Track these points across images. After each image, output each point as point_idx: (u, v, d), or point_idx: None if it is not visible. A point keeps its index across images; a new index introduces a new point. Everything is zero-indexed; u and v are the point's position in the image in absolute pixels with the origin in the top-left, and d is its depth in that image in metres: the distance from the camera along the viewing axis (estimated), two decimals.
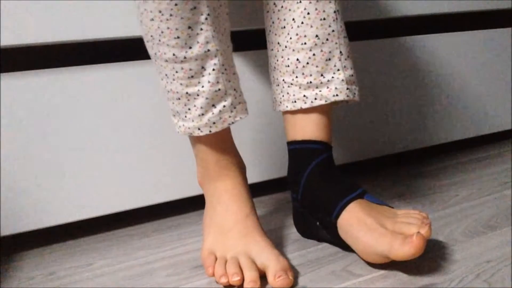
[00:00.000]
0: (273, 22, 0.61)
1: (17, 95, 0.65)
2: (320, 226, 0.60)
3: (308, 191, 0.60)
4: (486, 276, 0.51)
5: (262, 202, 0.82)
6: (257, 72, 0.78)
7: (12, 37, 0.63)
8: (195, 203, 0.78)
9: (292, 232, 0.67)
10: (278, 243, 0.64)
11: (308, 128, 0.61)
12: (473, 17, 0.99)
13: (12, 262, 0.67)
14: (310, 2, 0.58)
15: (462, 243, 0.59)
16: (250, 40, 0.77)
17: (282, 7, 0.59)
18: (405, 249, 0.49)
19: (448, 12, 0.93)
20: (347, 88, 0.59)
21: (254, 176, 0.79)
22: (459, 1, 0.93)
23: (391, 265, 0.54)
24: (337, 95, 0.59)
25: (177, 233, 0.72)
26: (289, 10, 0.59)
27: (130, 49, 0.71)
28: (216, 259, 0.56)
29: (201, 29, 0.52)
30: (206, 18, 0.52)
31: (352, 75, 0.60)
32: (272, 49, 0.62)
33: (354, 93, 0.61)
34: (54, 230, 0.75)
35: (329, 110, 0.62)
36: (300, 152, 0.61)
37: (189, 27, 0.52)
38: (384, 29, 0.90)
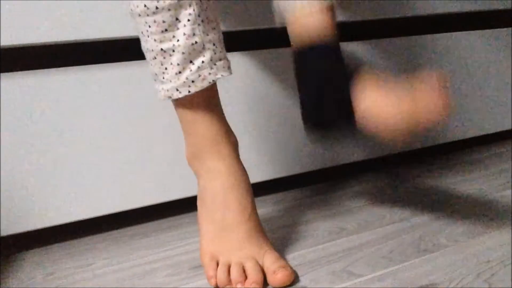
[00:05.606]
0: None
1: (17, 95, 0.65)
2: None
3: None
4: (486, 276, 0.51)
5: (262, 201, 0.82)
6: (261, 71, 0.78)
7: (12, 37, 0.63)
8: (195, 203, 0.78)
9: (292, 232, 0.67)
10: (278, 243, 0.63)
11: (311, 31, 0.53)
12: (473, 17, 0.99)
13: (12, 262, 0.67)
14: None
15: (462, 243, 0.59)
16: (255, 40, 0.77)
17: None
18: None
19: (448, 12, 0.93)
20: None
21: (254, 176, 0.79)
22: (460, 1, 0.93)
23: (391, 265, 0.54)
24: None
25: (177, 233, 0.72)
26: None
27: (130, 49, 0.71)
28: (217, 264, 0.54)
29: None
30: None
31: None
32: None
33: None
34: (54, 230, 0.75)
35: None
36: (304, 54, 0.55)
37: None
38: (384, 29, 0.90)
